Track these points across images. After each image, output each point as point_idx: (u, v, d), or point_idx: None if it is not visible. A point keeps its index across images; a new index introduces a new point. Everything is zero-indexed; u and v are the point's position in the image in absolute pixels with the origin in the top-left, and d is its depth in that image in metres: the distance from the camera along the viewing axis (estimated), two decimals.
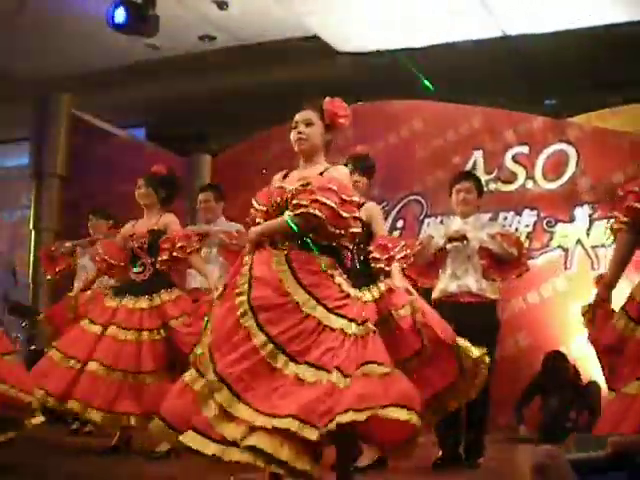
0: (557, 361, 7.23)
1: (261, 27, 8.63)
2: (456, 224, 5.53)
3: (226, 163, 9.94)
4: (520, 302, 8.02)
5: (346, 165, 4.72)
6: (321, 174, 3.63)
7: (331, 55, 9.00)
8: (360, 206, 3.90)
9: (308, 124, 3.70)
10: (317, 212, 3.44)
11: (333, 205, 3.45)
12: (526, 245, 8.09)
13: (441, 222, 8.26)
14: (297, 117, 3.74)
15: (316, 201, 3.44)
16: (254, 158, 9.10)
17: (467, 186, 5.52)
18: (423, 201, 8.78)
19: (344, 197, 3.51)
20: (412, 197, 8.84)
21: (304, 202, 3.46)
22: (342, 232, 3.54)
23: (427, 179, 8.78)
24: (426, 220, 8.72)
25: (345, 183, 3.61)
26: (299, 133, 3.69)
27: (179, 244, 5.30)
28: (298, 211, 3.47)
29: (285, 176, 3.76)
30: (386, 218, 8.57)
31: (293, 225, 3.49)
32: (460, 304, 5.25)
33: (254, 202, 3.75)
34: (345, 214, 3.51)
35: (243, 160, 9.37)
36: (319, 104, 3.77)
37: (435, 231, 5.75)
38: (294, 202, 3.49)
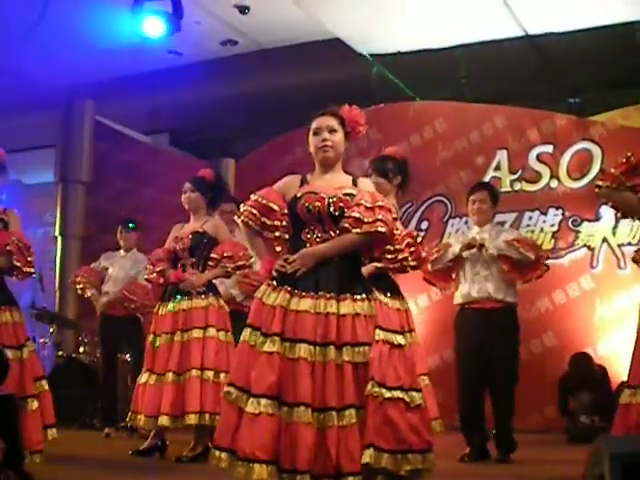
0: (583, 362, 7.23)
1: (282, 31, 8.64)
2: (473, 233, 5.75)
3: (249, 166, 9.98)
4: (546, 302, 7.98)
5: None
6: (355, 184, 3.61)
7: (353, 58, 8.98)
8: None
9: (332, 131, 3.61)
10: (383, 229, 3.46)
11: (390, 224, 3.49)
12: (551, 245, 8.13)
13: (465, 223, 8.25)
14: (318, 123, 3.63)
15: (380, 220, 3.44)
16: (277, 161, 9.12)
17: (481, 197, 5.74)
18: (447, 202, 8.76)
19: (394, 215, 3.56)
20: (436, 198, 8.83)
21: (369, 219, 3.43)
22: (391, 248, 3.62)
23: (451, 180, 8.76)
24: (450, 221, 8.70)
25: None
26: (325, 140, 3.59)
27: (232, 265, 5.42)
28: (372, 228, 3.43)
29: (303, 181, 3.66)
30: (410, 220, 8.58)
31: (360, 243, 3.50)
32: (483, 310, 5.51)
33: (268, 202, 3.59)
34: (396, 232, 3.57)
35: (266, 163, 9.40)
36: (338, 111, 3.69)
37: (454, 239, 5.93)
38: (353, 215, 3.44)
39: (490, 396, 5.60)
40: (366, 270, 4.33)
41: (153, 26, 7.34)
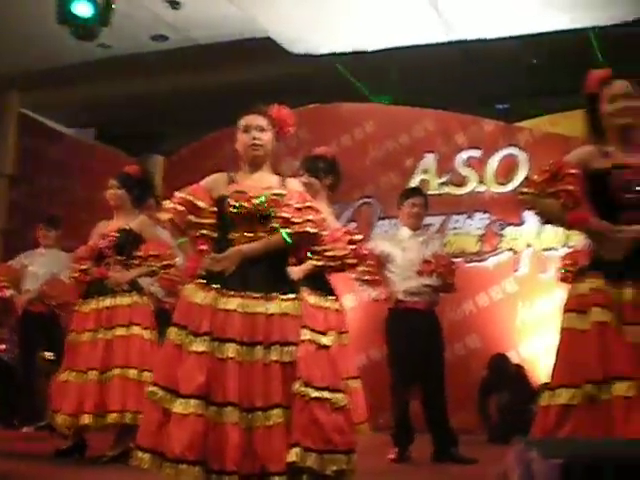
0: (500, 362, 7.38)
1: (214, 27, 8.57)
2: (404, 234, 5.86)
3: (178, 164, 9.88)
4: (470, 304, 8.09)
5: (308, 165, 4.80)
6: (283, 184, 3.59)
7: (284, 56, 8.97)
8: None
9: (261, 130, 3.58)
10: (312, 230, 3.45)
11: (319, 224, 3.49)
12: (477, 248, 8.26)
13: (394, 225, 8.30)
14: (247, 121, 3.60)
15: (310, 220, 3.44)
16: (206, 159, 9.05)
17: (420, 202, 5.88)
18: (376, 204, 8.81)
19: (323, 216, 3.56)
20: (365, 200, 8.87)
21: (298, 220, 3.42)
22: (319, 249, 3.61)
23: (380, 182, 8.82)
24: (379, 222, 8.75)
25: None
26: (255, 139, 3.57)
27: (158, 264, 5.34)
28: (301, 229, 3.43)
29: (231, 180, 3.61)
30: (338, 221, 8.58)
31: (289, 241, 3.46)
32: (414, 310, 5.63)
33: (195, 200, 3.52)
34: (324, 232, 3.59)
35: (196, 161, 9.31)
36: (267, 111, 3.66)
37: (380, 240, 6.14)
38: (283, 216, 3.42)
39: (423, 395, 5.66)
40: (303, 269, 4.32)
41: (83, 10, 7.18)
